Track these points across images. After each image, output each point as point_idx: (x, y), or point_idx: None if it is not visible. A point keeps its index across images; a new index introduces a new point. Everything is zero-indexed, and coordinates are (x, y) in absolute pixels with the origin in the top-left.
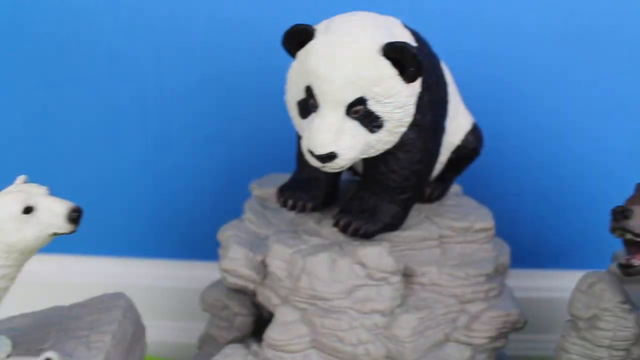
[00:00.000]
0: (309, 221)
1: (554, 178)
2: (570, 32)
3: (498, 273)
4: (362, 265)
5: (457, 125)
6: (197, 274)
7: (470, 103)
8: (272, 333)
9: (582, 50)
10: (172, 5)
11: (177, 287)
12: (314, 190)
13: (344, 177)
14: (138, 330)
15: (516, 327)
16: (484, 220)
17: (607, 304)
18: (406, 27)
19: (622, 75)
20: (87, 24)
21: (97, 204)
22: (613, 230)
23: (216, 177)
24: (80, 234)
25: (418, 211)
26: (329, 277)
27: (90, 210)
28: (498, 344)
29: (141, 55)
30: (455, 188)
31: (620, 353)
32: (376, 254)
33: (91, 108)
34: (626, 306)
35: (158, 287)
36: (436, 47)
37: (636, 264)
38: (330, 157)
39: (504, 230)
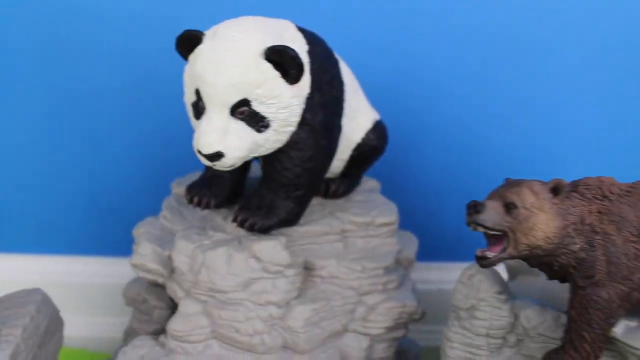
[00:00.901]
0: (217, 217)
1: (472, 174)
2: (490, 31)
3: (400, 266)
4: (257, 259)
5: (357, 123)
6: (124, 270)
7: (389, 100)
8: (173, 324)
9: (501, 49)
10: (106, 2)
11: (106, 284)
12: (218, 188)
13: (253, 174)
14: (53, 323)
15: (413, 317)
16: (387, 215)
17: (484, 295)
18: (300, 29)
19: (538, 75)
20: (19, 20)
21: (23, 201)
22: (467, 224)
23: (142, 176)
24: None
25: (323, 206)
26: (226, 270)
27: (26, 207)
28: (396, 334)
29: (76, 52)
30: (371, 184)
31: (498, 341)
32: (270, 248)
33: (23, 105)
34: (502, 296)
35: (87, 283)
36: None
37: (490, 256)
38: (217, 155)
39: (418, 224)
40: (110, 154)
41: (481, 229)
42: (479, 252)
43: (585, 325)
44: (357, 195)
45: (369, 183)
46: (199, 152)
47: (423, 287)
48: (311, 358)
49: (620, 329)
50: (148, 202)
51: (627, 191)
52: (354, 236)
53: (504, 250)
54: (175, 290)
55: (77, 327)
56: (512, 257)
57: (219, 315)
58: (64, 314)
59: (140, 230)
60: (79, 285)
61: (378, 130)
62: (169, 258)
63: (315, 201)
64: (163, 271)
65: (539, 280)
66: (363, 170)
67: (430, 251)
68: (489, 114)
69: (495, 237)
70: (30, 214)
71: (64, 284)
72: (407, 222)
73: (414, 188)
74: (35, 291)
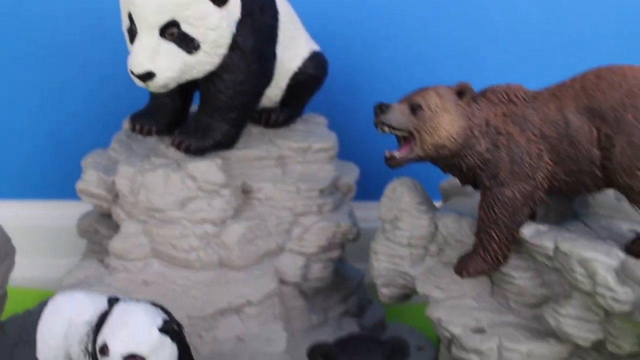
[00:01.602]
0: (161, 146)
1: None
2: None
3: (337, 191)
4: (193, 178)
5: (294, 52)
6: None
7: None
8: (114, 243)
9: None
10: None
11: (56, 226)
12: (160, 116)
13: None
14: (3, 248)
15: (347, 237)
16: (324, 141)
17: (405, 206)
18: None
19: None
20: None
21: None
22: (375, 125)
23: (95, 119)
24: None
25: (263, 134)
26: (163, 190)
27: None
28: (332, 254)
29: (34, 7)
30: (318, 119)
31: (420, 251)
32: (205, 167)
33: None
34: (422, 207)
35: (37, 226)
36: None
37: (397, 157)
38: (149, 75)
39: (366, 163)
40: (63, 99)
41: (387, 129)
42: (387, 153)
43: (492, 224)
44: (298, 126)
45: (315, 118)
46: (132, 72)
47: (367, 226)
48: (246, 275)
49: (529, 231)
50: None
51: (533, 96)
52: (293, 162)
53: (411, 150)
54: (118, 213)
55: (28, 269)
56: (420, 158)
57: (157, 233)
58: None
59: (88, 160)
60: (29, 228)
61: (315, 60)
62: (113, 183)
63: (256, 130)
64: (107, 196)
65: (471, 200)
66: (302, 101)
67: (376, 190)
68: (441, 55)
69: (405, 140)
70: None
71: (13, 227)
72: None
73: (362, 129)
74: None
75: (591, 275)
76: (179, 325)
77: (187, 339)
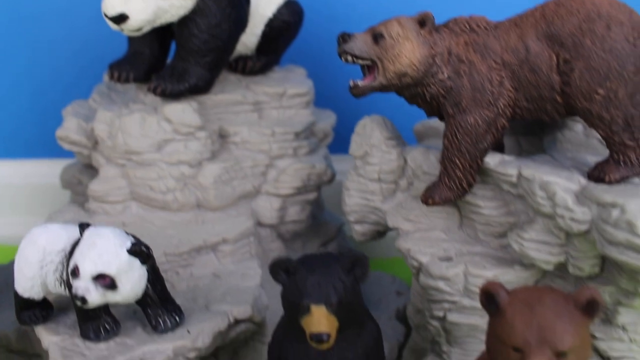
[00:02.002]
0: (140, 94)
1: None
2: None
3: (313, 136)
4: (169, 121)
5: None
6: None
7: None
8: (93, 186)
9: None
10: None
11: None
12: (138, 64)
13: None
14: None
15: (323, 179)
16: (300, 86)
17: (375, 141)
18: None
19: None
20: None
21: None
22: (339, 55)
23: (78, 77)
24: None
25: (240, 80)
26: (140, 133)
27: None
28: (308, 196)
29: None
30: (298, 70)
31: (390, 186)
32: (180, 110)
33: None
34: (391, 142)
35: (23, 184)
36: None
37: (361, 85)
38: (122, 18)
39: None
40: (48, 60)
41: (350, 58)
42: (351, 82)
43: (455, 151)
44: (275, 73)
45: (295, 69)
46: (105, 15)
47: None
48: (223, 215)
49: (494, 160)
50: None
51: (495, 26)
52: (269, 107)
53: (374, 79)
54: (98, 159)
55: (12, 228)
56: (383, 87)
57: (135, 175)
58: None
59: (68, 109)
60: (15, 186)
61: (290, 7)
62: (92, 130)
63: (233, 77)
64: (87, 143)
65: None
66: (279, 48)
67: None
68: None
69: (369, 70)
70: None
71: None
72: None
73: (343, 83)
74: None
75: (551, 197)
76: (148, 248)
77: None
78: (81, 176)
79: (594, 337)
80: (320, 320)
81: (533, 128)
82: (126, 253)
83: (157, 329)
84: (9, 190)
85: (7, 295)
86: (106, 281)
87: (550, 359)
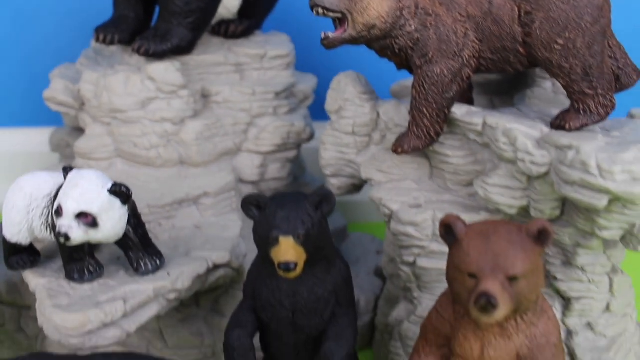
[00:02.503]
0: (125, 55)
1: None
2: None
3: (293, 96)
4: (152, 79)
5: None
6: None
7: None
8: (79, 143)
9: None
10: None
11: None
12: (123, 26)
13: None
14: None
15: (302, 138)
16: (281, 48)
17: (349, 95)
18: None
19: None
20: None
21: None
22: (311, 8)
23: (66, 44)
24: None
25: (222, 43)
26: (124, 91)
27: None
28: (288, 154)
29: None
30: (282, 36)
31: (364, 139)
32: (163, 69)
33: None
34: (364, 96)
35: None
36: None
37: (331, 37)
38: None
39: None
40: (36, 27)
41: (321, 11)
42: (322, 34)
43: (423, 101)
44: (257, 37)
45: (278, 34)
46: None
47: None
48: (205, 171)
49: (461, 111)
50: None
51: None
52: (250, 68)
53: (344, 31)
54: (84, 119)
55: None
56: (353, 39)
57: (119, 133)
58: None
59: (55, 72)
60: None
61: None
62: (79, 91)
63: (216, 39)
64: (74, 103)
65: None
66: (261, 13)
67: None
68: None
69: (340, 23)
70: None
71: None
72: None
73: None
74: None
75: (513, 143)
76: (128, 190)
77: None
78: (69, 139)
79: (555, 278)
80: (287, 250)
81: (505, 87)
82: (107, 193)
83: (138, 271)
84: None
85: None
86: (88, 219)
87: (502, 284)
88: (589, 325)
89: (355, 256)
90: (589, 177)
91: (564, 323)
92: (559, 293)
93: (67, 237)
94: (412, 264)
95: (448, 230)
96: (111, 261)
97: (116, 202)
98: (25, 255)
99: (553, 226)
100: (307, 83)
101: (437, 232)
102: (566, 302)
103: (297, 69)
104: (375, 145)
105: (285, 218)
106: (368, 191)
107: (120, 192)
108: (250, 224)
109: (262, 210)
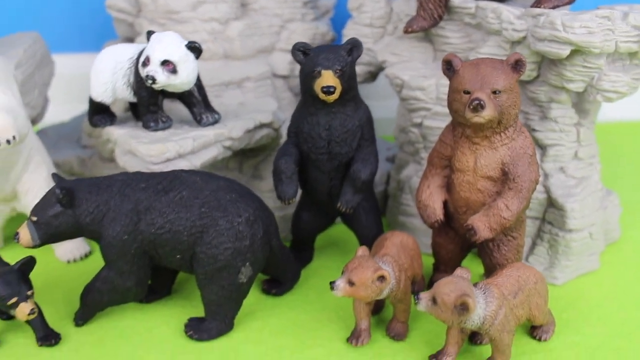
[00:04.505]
0: None
1: None
2: None
3: (317, 8)
4: None
5: None
6: None
7: None
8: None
9: None
10: None
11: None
12: None
13: None
14: (45, 58)
15: (325, 39)
16: None
17: None
18: None
19: None
20: None
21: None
22: None
23: None
24: None
25: None
26: None
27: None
28: None
29: None
30: None
31: (379, 30)
32: None
33: None
34: None
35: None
36: None
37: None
38: None
39: None
40: None
41: None
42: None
43: None
44: None
45: None
46: None
47: None
48: (245, 64)
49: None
50: None
51: None
52: None
53: None
54: (141, 23)
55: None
56: None
57: (174, 30)
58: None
59: None
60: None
61: None
62: (136, 0)
63: None
64: (132, 10)
65: None
66: None
67: None
68: None
69: None
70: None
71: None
72: None
73: None
74: (32, 33)
75: (498, 16)
76: (200, 46)
77: None
78: None
79: (534, 130)
80: (328, 78)
81: None
82: (185, 47)
83: (201, 122)
84: (61, 80)
85: (72, 141)
86: (170, 66)
87: (488, 95)
88: (562, 170)
89: None
90: (556, 32)
91: (541, 168)
92: (537, 142)
93: (154, 80)
94: (420, 125)
95: (449, 66)
96: (176, 122)
97: (191, 55)
98: (106, 115)
99: (531, 86)
100: (328, 1)
101: (440, 96)
102: (543, 150)
103: None
104: (389, 35)
105: (325, 57)
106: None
107: (195, 47)
108: (284, 103)
109: (307, 55)
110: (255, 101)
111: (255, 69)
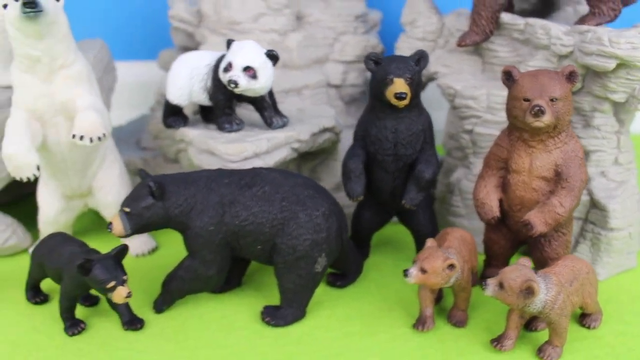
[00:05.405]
0: None
1: None
2: None
3: (366, 22)
4: None
5: None
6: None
7: None
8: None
9: None
10: None
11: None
12: None
13: None
14: (110, 63)
15: (376, 50)
16: None
17: (420, 9)
18: None
19: None
20: None
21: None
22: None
23: None
24: None
25: None
26: (240, 8)
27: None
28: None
29: None
30: None
31: (431, 44)
32: None
33: None
34: (433, 10)
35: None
36: None
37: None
38: None
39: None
40: None
41: None
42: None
43: (481, 5)
44: None
45: None
46: None
47: None
48: (302, 73)
49: (507, 16)
50: None
51: None
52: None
53: None
54: (202, 33)
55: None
56: None
57: (235, 37)
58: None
59: None
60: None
61: None
62: (197, 11)
63: None
64: (193, 20)
65: None
66: None
67: None
68: None
69: None
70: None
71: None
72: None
73: None
74: (97, 40)
75: (547, 32)
76: (278, 54)
77: None
78: (178, 56)
79: (578, 137)
80: (400, 85)
81: (535, 15)
82: (264, 55)
83: (271, 125)
84: (125, 88)
85: (130, 144)
86: (251, 72)
87: (547, 102)
88: (603, 174)
89: None
90: (603, 47)
91: None
92: None
93: (236, 84)
94: (470, 132)
95: (508, 76)
96: (245, 126)
97: (269, 62)
98: (179, 117)
99: (576, 96)
100: (375, 14)
101: (490, 105)
102: (586, 155)
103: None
104: (440, 49)
105: (397, 67)
106: None
107: (273, 55)
108: (336, 111)
109: (378, 64)
110: (313, 108)
111: (311, 77)
